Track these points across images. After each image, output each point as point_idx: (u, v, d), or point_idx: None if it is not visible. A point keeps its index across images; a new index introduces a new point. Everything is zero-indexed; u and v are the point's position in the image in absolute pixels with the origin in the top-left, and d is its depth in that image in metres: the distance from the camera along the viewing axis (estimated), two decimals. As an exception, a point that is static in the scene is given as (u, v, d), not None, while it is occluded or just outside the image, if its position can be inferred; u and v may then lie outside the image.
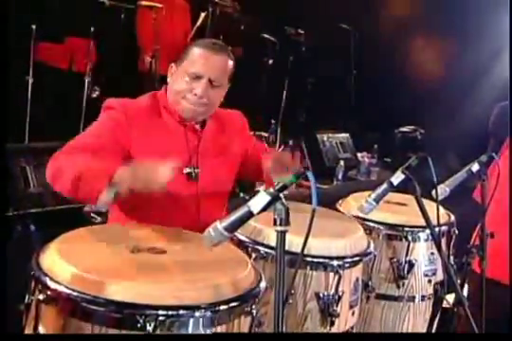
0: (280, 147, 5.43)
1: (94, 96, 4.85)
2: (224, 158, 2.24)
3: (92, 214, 3.67)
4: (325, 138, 5.36)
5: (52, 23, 4.52)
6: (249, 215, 1.52)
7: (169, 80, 2.17)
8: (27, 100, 4.25)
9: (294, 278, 1.57)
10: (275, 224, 1.49)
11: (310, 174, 1.51)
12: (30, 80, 4.26)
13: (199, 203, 2.14)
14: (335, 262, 1.94)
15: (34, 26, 4.26)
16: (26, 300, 1.56)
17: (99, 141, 1.97)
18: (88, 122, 4.67)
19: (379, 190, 2.16)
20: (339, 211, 2.49)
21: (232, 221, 1.53)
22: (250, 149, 2.36)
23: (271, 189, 1.51)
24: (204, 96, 2.07)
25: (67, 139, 3.79)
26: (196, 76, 2.07)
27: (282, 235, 1.49)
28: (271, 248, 1.90)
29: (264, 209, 1.51)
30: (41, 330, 1.49)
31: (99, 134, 2.02)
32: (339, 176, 5.00)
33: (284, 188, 1.52)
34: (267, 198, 1.50)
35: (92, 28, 4.60)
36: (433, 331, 2.22)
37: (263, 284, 1.62)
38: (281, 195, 1.51)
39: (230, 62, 2.13)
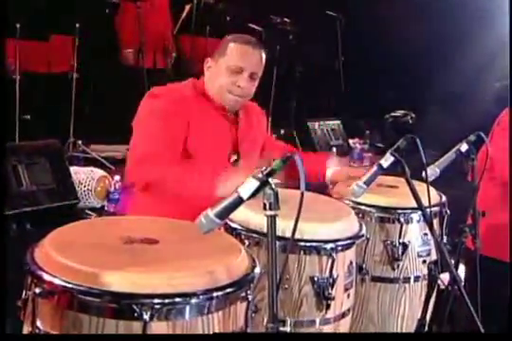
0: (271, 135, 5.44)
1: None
2: (255, 146, 2.45)
3: (87, 210, 3.68)
4: (316, 126, 5.38)
5: (36, 21, 4.50)
6: (239, 201, 1.53)
7: (206, 73, 2.32)
8: (16, 99, 4.24)
9: (286, 262, 1.57)
10: (265, 208, 1.50)
11: (298, 158, 1.52)
12: (17, 78, 4.25)
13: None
14: (328, 246, 1.95)
15: (18, 25, 4.25)
16: (23, 296, 1.56)
17: (166, 147, 2.15)
18: (79, 119, 4.67)
19: (369, 173, 2.17)
20: (331, 196, 2.49)
21: (223, 207, 1.53)
22: (266, 139, 2.56)
23: (260, 175, 1.52)
24: (246, 87, 2.26)
25: (57, 137, 3.80)
26: (238, 70, 2.23)
27: (272, 219, 1.50)
28: (264, 235, 1.90)
29: (253, 195, 1.52)
30: (39, 324, 1.49)
31: (163, 137, 2.16)
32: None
33: (273, 172, 1.53)
34: (256, 183, 1.51)
35: (77, 25, 4.59)
36: (429, 311, 2.23)
37: (257, 270, 1.63)
38: (269, 180, 1.52)
39: (264, 56, 2.31)
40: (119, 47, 5.30)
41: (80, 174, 3.73)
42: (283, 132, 5.37)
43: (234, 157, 2.31)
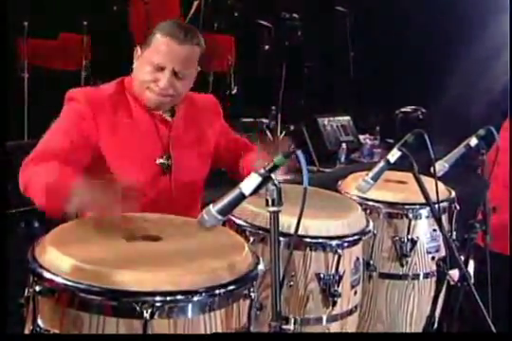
0: (281, 133, 5.41)
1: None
2: (197, 147, 2.16)
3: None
4: (326, 122, 5.34)
5: (45, 19, 4.50)
6: (242, 197, 1.51)
7: (134, 65, 2.06)
8: (24, 97, 4.24)
9: (290, 259, 1.55)
10: (267, 204, 1.48)
11: (300, 154, 1.49)
12: (26, 76, 4.25)
13: (172, 194, 2.08)
14: (334, 242, 1.93)
15: (26, 23, 4.25)
16: (25, 294, 1.55)
17: (66, 142, 1.91)
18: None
19: (376, 169, 2.14)
20: (339, 192, 2.47)
21: (225, 203, 1.52)
22: (225, 137, 2.29)
23: (262, 170, 1.50)
24: (168, 87, 1.99)
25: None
26: (160, 67, 1.97)
27: (275, 215, 1.48)
28: (268, 231, 1.88)
29: (255, 191, 1.50)
30: (39, 322, 1.48)
31: (65, 132, 1.95)
32: (342, 159, 4.99)
33: (275, 168, 1.51)
34: (258, 179, 1.49)
35: (85, 23, 4.58)
36: (438, 308, 2.21)
37: (260, 267, 1.60)
38: (272, 175, 1.50)
39: (197, 50, 2.03)
40: (131, 44, 5.29)
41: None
42: (292, 128, 5.34)
43: (161, 160, 2.06)
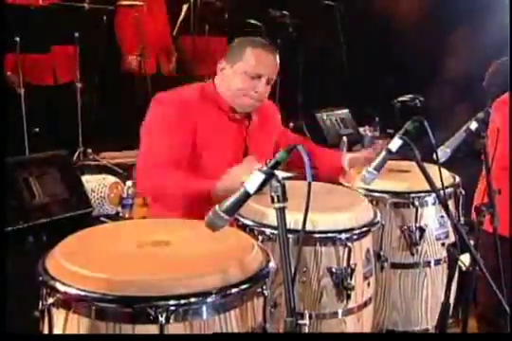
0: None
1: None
2: (266, 146, 2.45)
3: (102, 218, 3.68)
4: (324, 116, 5.33)
5: (35, 33, 4.50)
6: (247, 195, 1.51)
7: (219, 75, 2.34)
8: (23, 113, 4.25)
9: (299, 254, 1.55)
10: (273, 201, 1.48)
11: (301, 149, 1.49)
12: (22, 92, 4.26)
13: None
14: (343, 235, 1.92)
15: (18, 39, 4.25)
16: (40, 307, 1.55)
17: (176, 152, 2.19)
18: (86, 128, 4.67)
19: (379, 159, 2.13)
20: (343, 185, 2.47)
21: (231, 203, 1.51)
22: (281, 134, 2.60)
23: (265, 168, 1.50)
24: (264, 93, 2.30)
25: (66, 147, 3.79)
26: (257, 76, 2.24)
27: (281, 211, 1.48)
28: (276, 228, 1.88)
29: (260, 188, 1.49)
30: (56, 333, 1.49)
31: (172, 140, 2.20)
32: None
33: (277, 164, 1.50)
34: (262, 176, 1.49)
35: (76, 34, 4.59)
36: (452, 294, 2.20)
37: (272, 264, 1.61)
38: (275, 172, 1.49)
39: (278, 59, 2.33)
40: (122, 54, 5.29)
41: (92, 182, 3.72)
42: (291, 125, 5.33)
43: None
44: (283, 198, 1.48)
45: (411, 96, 5.71)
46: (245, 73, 2.25)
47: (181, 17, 5.36)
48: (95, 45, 4.94)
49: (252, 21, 5.47)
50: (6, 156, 3.69)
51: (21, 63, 4.32)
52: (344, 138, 5.09)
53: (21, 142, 4.19)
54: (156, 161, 2.16)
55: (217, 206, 1.52)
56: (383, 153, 2.13)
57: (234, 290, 1.47)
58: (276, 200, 1.48)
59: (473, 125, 2.40)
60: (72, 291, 1.44)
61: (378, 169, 2.14)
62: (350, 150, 5.09)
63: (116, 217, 3.67)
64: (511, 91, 2.60)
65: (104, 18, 4.83)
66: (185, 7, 5.35)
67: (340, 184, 2.48)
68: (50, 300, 1.47)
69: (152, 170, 2.16)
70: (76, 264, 1.49)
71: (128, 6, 5.04)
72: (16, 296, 2.30)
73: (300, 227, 1.76)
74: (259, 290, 1.53)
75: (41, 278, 1.51)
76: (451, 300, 2.08)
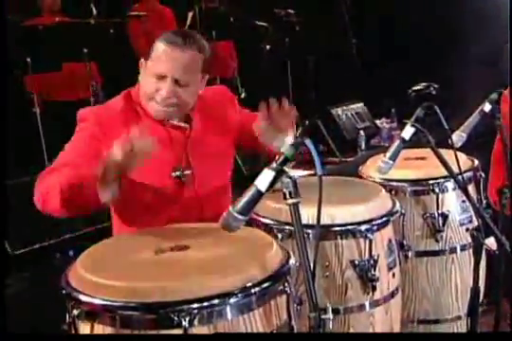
0: (297, 129, 5.39)
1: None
2: (218, 148, 2.09)
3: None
4: (340, 112, 5.30)
5: (45, 52, 4.56)
6: (259, 194, 1.50)
7: (139, 77, 2.02)
8: (39, 130, 4.30)
9: (317, 249, 1.54)
10: (285, 197, 1.47)
11: (309, 142, 1.48)
12: (38, 111, 4.31)
13: (200, 202, 2.02)
14: (362, 227, 1.91)
15: (29, 59, 4.31)
16: (67, 320, 1.57)
17: (78, 157, 1.86)
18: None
19: (393, 148, 2.12)
20: (362, 178, 2.45)
21: (244, 203, 1.51)
22: (243, 120, 2.17)
23: (274, 164, 1.49)
24: (171, 96, 1.93)
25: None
26: (161, 76, 1.92)
27: (295, 207, 1.47)
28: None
29: (271, 186, 1.49)
30: (84, 344, 1.50)
31: (77, 150, 1.91)
32: (362, 146, 4.95)
33: (287, 160, 1.50)
34: (272, 174, 1.48)
35: (85, 50, 4.63)
36: (481, 278, 2.17)
37: (292, 261, 1.60)
38: (285, 168, 1.49)
39: (198, 56, 1.96)
40: (134, 64, 5.33)
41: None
42: (307, 122, 5.31)
43: (177, 173, 1.99)
44: (296, 193, 1.47)
45: (424, 84, 5.65)
46: (151, 72, 1.94)
47: (187, 25, 5.37)
48: (106, 59, 4.98)
49: (259, 22, 5.46)
50: (27, 175, 3.75)
51: (35, 83, 4.37)
52: (362, 132, 5.06)
53: (41, 159, 4.24)
54: (49, 168, 1.85)
55: (231, 207, 1.52)
56: (397, 142, 2.11)
57: (256, 289, 1.46)
58: (288, 196, 1.47)
59: (487, 107, 2.38)
60: (95, 301, 1.45)
61: (393, 158, 2.12)
62: (368, 143, 5.07)
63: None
64: (511, 89, 2.56)
65: (111, 31, 4.86)
66: (190, 14, 5.36)
67: (360, 176, 2.47)
68: (75, 312, 1.48)
69: (42, 176, 1.82)
70: (97, 275, 1.50)
71: (136, 16, 5.08)
72: (46, 311, 2.33)
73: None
74: (281, 287, 1.52)
75: (64, 291, 1.52)
76: (481, 285, 2.05)
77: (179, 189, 2.00)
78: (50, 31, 4.71)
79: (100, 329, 1.46)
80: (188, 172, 2.00)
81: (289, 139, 1.98)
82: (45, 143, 4.31)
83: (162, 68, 1.92)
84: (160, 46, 1.94)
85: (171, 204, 1.99)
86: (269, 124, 1.96)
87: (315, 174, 1.49)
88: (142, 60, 2.01)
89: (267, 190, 1.50)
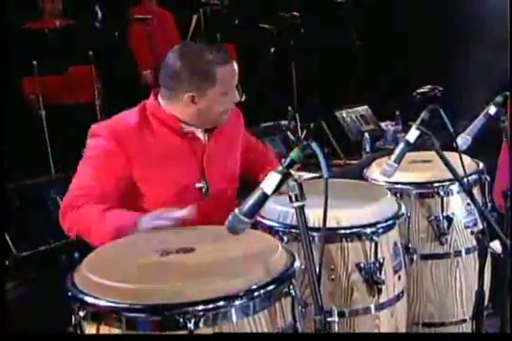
0: (302, 132, 5.40)
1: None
2: (229, 161, 2.17)
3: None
4: (345, 114, 5.31)
5: (51, 55, 4.58)
6: (264, 197, 1.51)
7: (186, 105, 2.00)
8: (45, 134, 4.32)
9: (322, 252, 1.54)
10: (291, 200, 1.48)
11: (315, 145, 1.49)
12: (43, 114, 4.33)
13: (213, 212, 1.97)
14: (368, 230, 1.91)
15: (35, 62, 4.33)
16: (73, 322, 1.57)
17: (100, 183, 1.93)
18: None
19: (398, 151, 2.13)
20: (367, 181, 2.45)
21: (250, 206, 1.52)
22: (246, 148, 2.29)
23: (280, 168, 1.50)
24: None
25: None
26: (234, 88, 2.03)
27: (300, 210, 1.47)
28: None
29: (277, 189, 1.49)
30: (90, 346, 1.51)
31: (95, 171, 1.95)
32: (367, 149, 4.95)
33: (293, 163, 1.50)
34: (278, 177, 1.49)
35: (90, 53, 4.64)
36: (486, 281, 2.16)
37: (297, 264, 1.60)
38: (291, 171, 1.49)
39: None
40: (138, 69, 5.35)
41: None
42: (312, 125, 5.32)
43: (200, 184, 2.06)
44: (302, 196, 1.48)
45: (429, 86, 5.66)
46: (222, 93, 1.99)
47: (192, 28, 5.39)
48: (110, 63, 4.99)
49: (263, 25, 5.47)
50: (33, 177, 3.77)
51: (40, 86, 4.39)
52: (366, 135, 5.07)
53: (47, 163, 4.25)
54: (75, 196, 1.93)
55: (237, 210, 1.53)
56: (401, 145, 2.12)
57: (261, 291, 1.46)
58: (294, 199, 1.48)
59: (492, 110, 2.38)
60: (101, 303, 1.45)
61: (398, 161, 2.13)
62: (373, 146, 5.08)
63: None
64: None
65: (116, 34, 4.88)
66: (194, 17, 5.38)
67: (365, 179, 2.47)
68: (81, 314, 1.49)
69: (68, 207, 1.93)
70: (102, 276, 1.50)
71: (139, 20, 5.10)
72: (52, 313, 2.34)
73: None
74: (286, 290, 1.52)
75: (70, 293, 1.53)
76: (486, 289, 2.05)
77: (198, 201, 1.96)
78: (57, 34, 4.74)
79: (105, 330, 1.47)
80: (207, 184, 2.07)
81: None
82: (51, 146, 4.33)
83: (235, 82, 2.03)
84: (222, 69, 1.97)
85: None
86: None
87: (320, 177, 1.50)
88: (188, 90, 1.97)
89: (273, 193, 1.50)
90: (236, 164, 2.21)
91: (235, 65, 2.02)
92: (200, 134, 2.09)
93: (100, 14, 4.69)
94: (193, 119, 2.04)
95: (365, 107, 5.51)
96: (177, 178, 2.03)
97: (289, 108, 5.38)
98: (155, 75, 5.10)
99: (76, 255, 3.27)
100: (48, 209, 3.38)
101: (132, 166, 1.97)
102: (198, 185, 2.06)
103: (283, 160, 1.54)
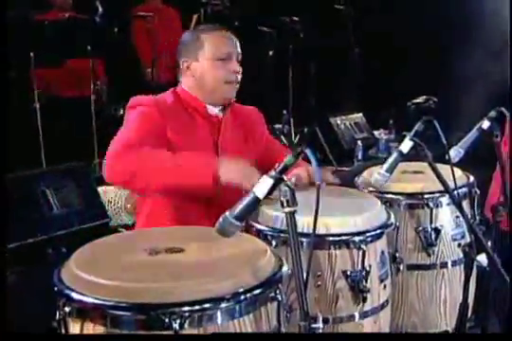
0: (295, 136, 5.42)
1: (120, 113, 4.85)
2: (243, 145, 2.29)
3: (119, 228, 3.71)
4: (339, 121, 5.33)
5: (49, 48, 4.56)
6: (256, 201, 1.52)
7: (187, 77, 2.22)
8: (38, 127, 4.30)
9: (310, 258, 1.55)
10: (282, 205, 1.48)
11: (309, 152, 1.50)
12: (37, 106, 4.31)
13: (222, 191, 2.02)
14: (356, 238, 1.92)
15: (32, 54, 4.31)
16: (57, 317, 1.57)
17: (145, 136, 2.02)
18: (102, 141, 4.71)
19: (390, 161, 2.14)
20: (358, 189, 2.46)
21: (241, 209, 1.52)
22: (266, 144, 2.41)
23: (273, 172, 1.51)
24: (240, 71, 2.18)
25: (83, 159, 3.82)
26: (228, 56, 2.15)
27: (291, 215, 1.48)
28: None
29: (269, 193, 1.50)
30: (73, 342, 1.50)
31: (144, 131, 2.05)
32: (359, 156, 4.97)
33: (286, 169, 1.51)
34: (271, 181, 1.50)
35: (89, 47, 4.64)
36: (471, 294, 2.18)
37: (285, 269, 1.61)
38: (283, 176, 1.50)
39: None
40: (137, 65, 5.35)
41: (109, 193, 3.75)
42: (306, 130, 5.34)
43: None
44: (293, 202, 1.48)
45: (424, 97, 5.69)
46: (215, 59, 2.15)
47: (192, 26, 5.38)
48: (110, 57, 4.99)
49: (263, 28, 5.48)
50: (23, 169, 3.75)
51: (35, 78, 4.37)
52: (359, 142, 5.09)
53: (38, 155, 4.24)
54: (125, 142, 1.99)
55: (228, 213, 1.53)
56: (394, 155, 2.13)
57: (247, 295, 1.47)
58: (285, 204, 1.48)
59: (485, 124, 2.40)
60: (87, 299, 1.45)
61: (390, 170, 2.14)
62: (365, 154, 5.09)
63: (133, 227, 3.69)
64: (511, 93, 2.59)
65: (116, 30, 4.88)
66: (195, 16, 5.38)
67: (356, 187, 2.48)
68: (66, 310, 1.49)
69: (121, 151, 1.96)
70: (90, 273, 1.50)
71: (141, 17, 5.10)
72: (36, 307, 2.33)
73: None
74: (272, 294, 1.53)
75: (56, 288, 1.53)
76: (470, 301, 2.07)
77: None
78: (56, 27, 4.73)
79: (90, 327, 1.46)
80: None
81: None
82: (43, 138, 4.32)
83: (227, 49, 2.16)
84: (211, 34, 2.17)
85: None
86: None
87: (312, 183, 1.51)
88: (184, 59, 2.20)
89: (265, 198, 1.51)
90: (249, 156, 2.24)
91: (227, 33, 2.20)
92: (219, 112, 2.25)
93: (100, 9, 4.68)
94: (196, 92, 2.20)
95: (360, 115, 5.53)
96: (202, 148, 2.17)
97: (284, 112, 5.40)
98: (153, 71, 5.13)
99: (63, 249, 3.26)
100: (37, 202, 3.36)
101: (169, 135, 2.11)
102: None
103: (276, 165, 1.54)
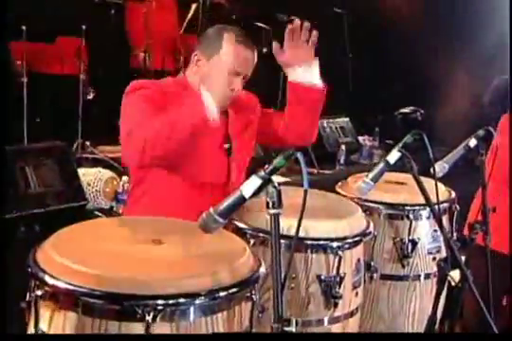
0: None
1: (89, 97, 4.83)
2: (247, 132, 2.35)
3: (96, 212, 3.68)
4: (325, 124, 5.33)
5: (42, 23, 4.50)
6: (242, 200, 1.51)
7: (193, 68, 2.20)
8: (24, 102, 4.24)
9: (290, 261, 1.55)
10: (268, 207, 1.48)
11: (300, 156, 1.49)
12: (25, 81, 4.25)
13: (230, 175, 2.26)
14: (334, 244, 1.93)
15: (24, 27, 4.25)
16: (27, 298, 1.55)
17: (150, 116, 2.02)
18: (86, 120, 4.65)
19: (376, 170, 2.14)
20: (339, 194, 2.47)
21: (226, 206, 1.52)
22: (261, 115, 2.45)
23: (262, 173, 1.50)
24: (240, 89, 2.16)
25: (65, 138, 3.77)
26: (236, 74, 2.11)
27: (275, 217, 1.48)
28: (269, 233, 1.88)
29: (256, 193, 1.50)
30: (42, 326, 1.49)
31: (148, 113, 2.04)
32: (341, 161, 4.98)
33: (275, 170, 1.51)
34: (258, 181, 1.49)
35: (83, 27, 4.58)
36: (439, 308, 2.20)
37: (262, 269, 1.61)
38: (272, 178, 1.50)
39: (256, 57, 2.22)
40: (128, 49, 5.30)
41: (88, 176, 3.71)
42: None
43: (226, 145, 2.27)
44: (279, 204, 1.48)
45: (412, 108, 5.72)
46: (224, 68, 2.10)
47: (189, 16, 5.36)
48: (102, 39, 4.93)
49: (260, 24, 5.46)
50: (4, 145, 3.70)
51: (26, 52, 4.31)
52: (343, 147, 5.10)
53: (20, 131, 4.18)
54: (133, 124, 2.01)
55: (212, 209, 1.52)
56: (381, 165, 2.14)
57: (223, 293, 1.47)
58: (271, 205, 1.48)
59: (472, 142, 2.41)
60: (61, 284, 1.43)
61: (375, 180, 2.14)
62: (347, 158, 5.11)
63: (110, 211, 3.67)
64: (511, 94, 2.61)
65: (112, 12, 4.83)
66: (194, 6, 5.35)
67: (336, 192, 2.49)
68: (38, 293, 1.47)
69: (130, 132, 1.99)
70: (66, 258, 1.48)
71: (138, 1, 5.05)
72: (3, 286, 2.30)
73: (292, 234, 1.79)
74: (248, 294, 1.53)
75: (30, 270, 1.51)
76: (438, 315, 2.08)
77: (221, 160, 2.25)
78: (52, 2, 4.67)
79: (61, 313, 1.45)
80: (231, 146, 2.27)
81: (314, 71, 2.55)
82: (27, 115, 4.26)
83: (241, 68, 2.12)
84: (235, 46, 2.12)
85: (210, 166, 2.21)
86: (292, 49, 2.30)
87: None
88: (198, 52, 2.18)
89: (251, 197, 1.51)
90: (252, 133, 2.37)
91: (250, 53, 2.16)
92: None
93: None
94: (194, 83, 2.18)
95: (346, 119, 5.54)
96: (208, 139, 2.17)
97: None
98: (145, 56, 5.09)
99: (37, 228, 3.22)
100: (15, 179, 3.31)
101: None
102: (226, 146, 2.26)
103: (266, 166, 1.53)
